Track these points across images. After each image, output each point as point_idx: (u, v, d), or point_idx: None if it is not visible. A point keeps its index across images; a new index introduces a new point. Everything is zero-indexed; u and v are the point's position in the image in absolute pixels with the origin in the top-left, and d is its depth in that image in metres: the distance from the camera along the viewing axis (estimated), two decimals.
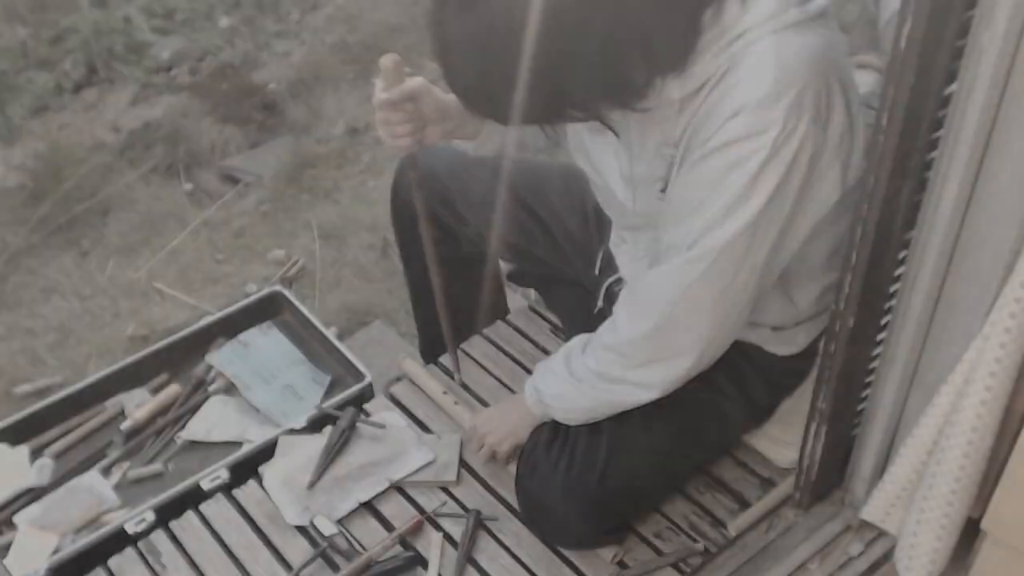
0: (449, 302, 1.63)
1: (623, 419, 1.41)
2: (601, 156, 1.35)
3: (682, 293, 1.23)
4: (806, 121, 1.12)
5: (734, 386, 1.46)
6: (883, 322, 1.30)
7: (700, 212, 1.18)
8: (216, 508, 1.62)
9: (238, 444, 1.81)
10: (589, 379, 1.37)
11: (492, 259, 1.75)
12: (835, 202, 1.23)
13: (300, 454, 1.66)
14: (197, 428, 1.86)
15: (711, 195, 1.17)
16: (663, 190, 1.26)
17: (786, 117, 1.11)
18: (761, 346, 1.44)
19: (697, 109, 1.16)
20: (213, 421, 1.87)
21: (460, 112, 1.38)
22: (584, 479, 1.40)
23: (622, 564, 1.48)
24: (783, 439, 1.57)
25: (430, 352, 1.91)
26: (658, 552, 1.49)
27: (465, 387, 1.77)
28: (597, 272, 1.61)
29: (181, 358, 1.99)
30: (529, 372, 1.78)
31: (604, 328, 1.37)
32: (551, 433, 1.46)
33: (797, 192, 1.17)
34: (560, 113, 1.18)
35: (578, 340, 1.43)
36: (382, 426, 1.68)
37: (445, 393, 1.73)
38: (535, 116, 1.18)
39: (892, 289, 1.27)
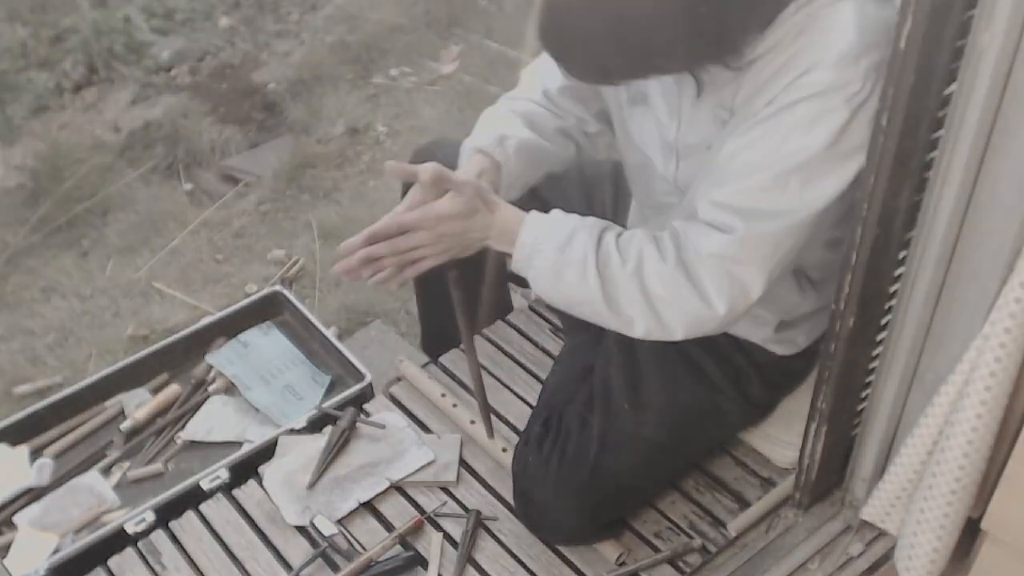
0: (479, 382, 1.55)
1: (614, 413, 1.41)
2: (640, 126, 1.34)
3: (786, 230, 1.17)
4: (879, 89, 1.10)
5: (730, 382, 1.46)
6: (883, 322, 1.30)
7: (781, 168, 1.13)
8: (216, 508, 1.62)
9: (238, 444, 1.81)
10: (621, 277, 1.21)
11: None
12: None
13: (300, 454, 1.65)
14: (197, 428, 1.86)
15: (786, 152, 1.12)
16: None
17: (864, 78, 1.09)
18: (761, 345, 1.44)
19: (761, 71, 1.14)
20: (213, 421, 1.87)
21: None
22: (576, 474, 1.40)
23: (624, 565, 1.48)
24: (783, 439, 1.57)
25: (430, 346, 1.91)
26: (657, 552, 1.49)
27: (465, 388, 1.77)
28: None
29: (181, 358, 1.99)
30: (529, 372, 1.79)
31: (691, 230, 1.20)
32: (542, 430, 1.45)
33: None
34: (659, 68, 1.15)
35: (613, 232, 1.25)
36: (382, 426, 1.68)
37: (444, 396, 1.73)
38: (634, 71, 1.16)
39: (892, 289, 1.27)
